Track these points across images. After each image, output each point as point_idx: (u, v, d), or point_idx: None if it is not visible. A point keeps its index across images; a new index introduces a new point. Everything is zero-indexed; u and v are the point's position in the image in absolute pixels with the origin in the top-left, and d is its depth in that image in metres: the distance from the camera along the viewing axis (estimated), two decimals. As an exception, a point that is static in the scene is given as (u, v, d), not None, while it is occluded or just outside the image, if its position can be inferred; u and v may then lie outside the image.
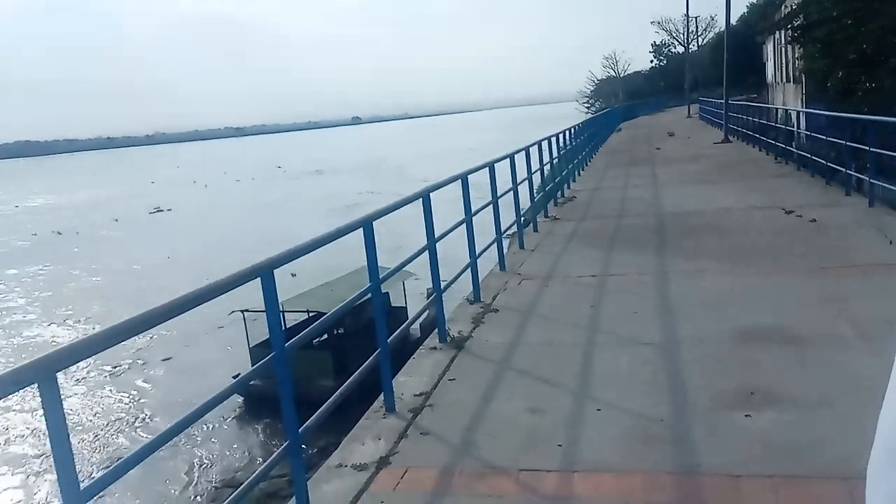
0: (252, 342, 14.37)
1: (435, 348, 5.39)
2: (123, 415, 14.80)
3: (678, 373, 4.55)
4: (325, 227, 3.93)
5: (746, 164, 15.85)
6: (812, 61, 17.98)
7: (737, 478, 3.26)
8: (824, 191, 10.99)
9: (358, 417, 4.30)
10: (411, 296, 15.89)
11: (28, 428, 13.75)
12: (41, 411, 1.88)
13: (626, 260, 7.89)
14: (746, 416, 3.82)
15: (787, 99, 25.26)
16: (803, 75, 20.73)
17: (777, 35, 26.20)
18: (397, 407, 4.32)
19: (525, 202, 9.70)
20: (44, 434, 13.19)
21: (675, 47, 70.08)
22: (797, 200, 10.11)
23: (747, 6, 50.37)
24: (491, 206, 7.38)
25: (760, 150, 17.75)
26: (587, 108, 77.80)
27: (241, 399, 14.20)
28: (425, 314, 6.20)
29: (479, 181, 7.26)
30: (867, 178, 9.50)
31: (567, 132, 14.71)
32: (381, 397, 4.37)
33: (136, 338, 2.14)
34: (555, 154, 12.50)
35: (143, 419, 14.48)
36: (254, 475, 3.02)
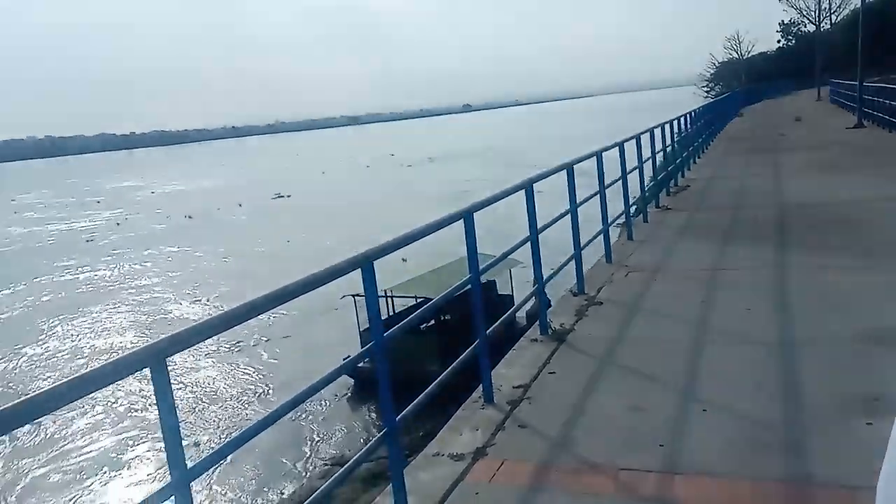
0: (362, 326, 14.77)
1: (536, 340, 5.35)
2: (250, 387, 15.64)
3: (793, 375, 4.31)
4: (435, 215, 3.96)
5: (882, 151, 14.73)
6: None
7: (853, 490, 3.04)
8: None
9: (457, 407, 4.34)
10: (519, 283, 15.85)
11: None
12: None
13: (742, 254, 7.52)
14: (868, 423, 3.57)
15: (932, 80, 23.22)
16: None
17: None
18: (496, 398, 4.33)
19: (635, 191, 9.44)
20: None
21: (804, 26, 65.85)
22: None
23: (888, -20, 46.63)
24: (598, 196, 7.23)
25: (899, 136, 16.46)
26: (706, 92, 74.60)
27: (351, 380, 14.65)
28: (531, 303, 6.17)
29: (589, 169, 7.13)
30: None
31: (682, 118, 14.17)
32: (480, 388, 4.39)
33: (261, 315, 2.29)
34: (668, 142, 12.07)
35: (263, 393, 15.26)
36: (353, 459, 3.12)
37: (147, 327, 20.61)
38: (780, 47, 70.71)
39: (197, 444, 12.99)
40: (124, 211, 53.93)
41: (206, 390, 15.53)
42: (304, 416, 13.61)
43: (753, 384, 4.22)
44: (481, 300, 4.21)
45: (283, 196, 51.41)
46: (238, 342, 17.98)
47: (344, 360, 3.06)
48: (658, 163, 11.09)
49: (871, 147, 15.48)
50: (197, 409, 14.65)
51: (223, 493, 11.46)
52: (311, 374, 13.18)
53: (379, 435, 3.17)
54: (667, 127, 11.97)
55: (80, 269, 31.46)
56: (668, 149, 12.12)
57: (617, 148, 8.28)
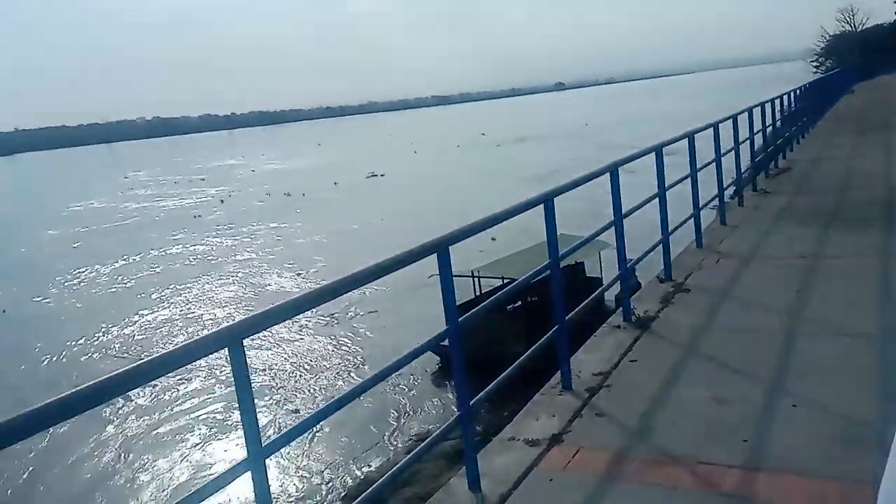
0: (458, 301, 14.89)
1: (618, 327, 5.26)
2: (338, 361, 16.14)
3: (893, 370, 4.06)
4: (524, 195, 3.96)
5: None
6: None
7: (953, 498, 2.87)
8: None
9: (535, 392, 4.33)
10: (610, 265, 15.61)
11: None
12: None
13: (844, 241, 7.12)
14: (974, 428, 3.34)
15: None
16: None
17: None
18: (574, 385, 4.29)
19: (731, 174, 9.08)
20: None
21: (929, -6, 60.98)
22: None
23: None
24: (689, 178, 6.99)
25: None
26: (815, 67, 70.52)
27: (438, 358, 14.88)
28: (617, 287, 6.06)
29: (681, 149, 6.92)
30: None
31: (785, 96, 13.47)
32: (559, 374, 4.36)
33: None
34: (769, 122, 11.51)
35: (354, 366, 15.72)
36: (427, 440, 3.18)
37: (248, 301, 21.60)
38: (899, 18, 65.81)
39: (296, 411, 13.57)
40: (227, 188, 56.48)
41: (297, 361, 16.15)
42: (394, 389, 13.95)
43: (848, 379, 4.01)
44: (562, 285, 4.18)
45: (376, 175, 52.41)
46: (333, 314, 18.42)
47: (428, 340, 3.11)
48: (756, 144, 10.60)
49: None
50: (294, 377, 15.28)
51: (314, 459, 11.91)
52: (389, 351, 13.50)
53: (452, 418, 3.22)
54: (767, 106, 11.41)
55: (188, 243, 33.29)
56: (769, 128, 11.56)
57: (711, 129, 7.97)
